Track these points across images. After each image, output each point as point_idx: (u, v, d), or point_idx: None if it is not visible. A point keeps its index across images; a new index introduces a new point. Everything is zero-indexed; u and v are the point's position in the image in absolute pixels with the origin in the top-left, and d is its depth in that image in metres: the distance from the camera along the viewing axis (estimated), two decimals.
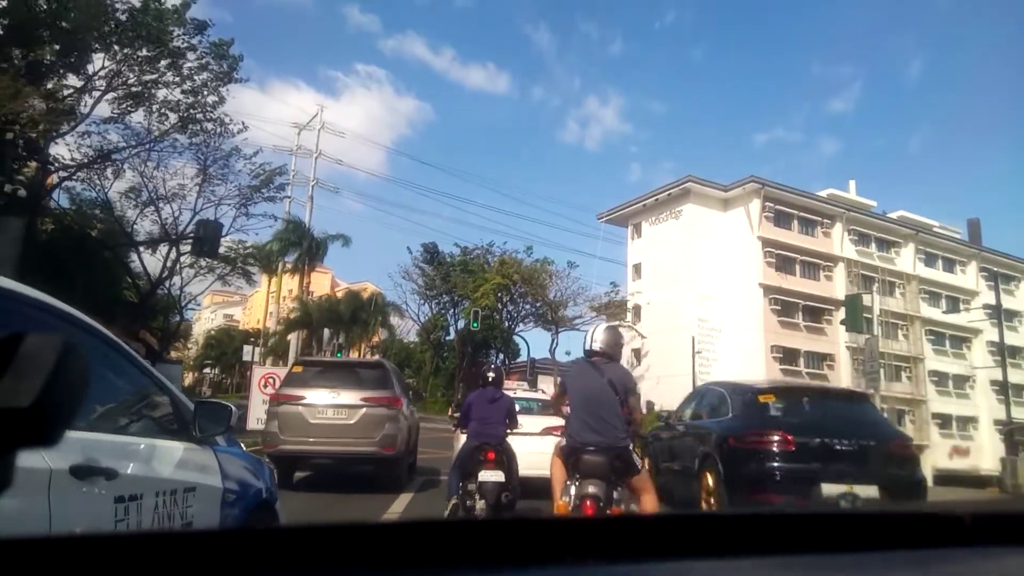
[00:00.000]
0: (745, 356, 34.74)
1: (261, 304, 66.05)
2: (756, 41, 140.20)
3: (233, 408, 3.17)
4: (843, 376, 37.09)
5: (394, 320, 56.58)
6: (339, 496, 8.79)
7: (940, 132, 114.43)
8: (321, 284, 67.45)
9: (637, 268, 39.67)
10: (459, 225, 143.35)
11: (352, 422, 8.68)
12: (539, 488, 8.55)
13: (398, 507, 7.99)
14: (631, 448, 4.87)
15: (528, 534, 0.80)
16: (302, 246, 43.12)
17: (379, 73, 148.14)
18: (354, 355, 38.43)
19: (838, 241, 38.64)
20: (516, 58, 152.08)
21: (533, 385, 38.24)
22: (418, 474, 10.55)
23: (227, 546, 0.71)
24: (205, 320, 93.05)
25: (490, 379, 7.02)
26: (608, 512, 4.41)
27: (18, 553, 0.67)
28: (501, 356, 52.46)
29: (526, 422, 9.20)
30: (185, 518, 2.62)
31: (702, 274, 35.93)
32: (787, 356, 35.28)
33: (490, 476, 6.29)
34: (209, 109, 18.64)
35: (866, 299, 19.04)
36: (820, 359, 36.80)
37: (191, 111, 18.47)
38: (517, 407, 9.21)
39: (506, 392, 9.24)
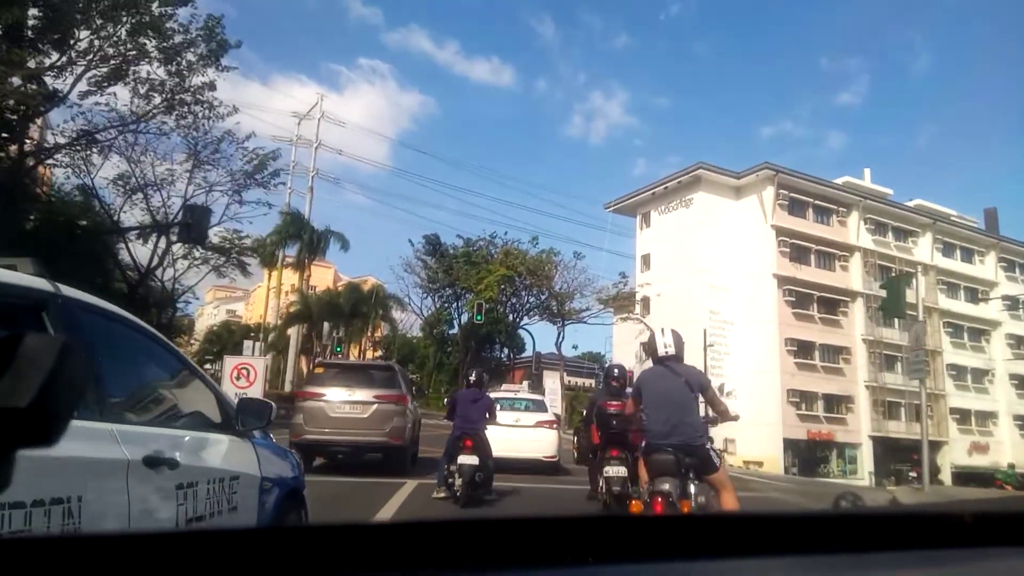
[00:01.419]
0: (758, 349, 33.60)
1: (263, 299, 65.07)
2: (761, 33, 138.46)
3: (274, 405, 3.47)
4: (859, 370, 35.94)
5: (397, 314, 55.80)
6: (354, 479, 9.45)
7: (953, 122, 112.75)
8: (324, 279, 66.43)
9: (646, 259, 38.48)
10: (463, 218, 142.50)
11: (366, 416, 9.88)
12: (531, 468, 11.25)
13: (405, 491, 8.68)
14: (709, 447, 4.99)
15: (529, 534, 0.81)
16: (302, 238, 42.21)
17: (382, 67, 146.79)
18: (354, 350, 37.60)
19: (854, 230, 37.38)
20: (520, 51, 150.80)
21: (538, 380, 37.34)
22: (420, 465, 11.57)
23: (227, 547, 0.72)
24: (208, 316, 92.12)
25: (472, 381, 8.68)
26: (679, 508, 4.69)
27: (23, 553, 0.68)
28: (506, 351, 51.46)
29: (524, 417, 11.89)
30: (230, 503, 2.84)
31: (713, 264, 34.72)
32: (802, 349, 34.08)
33: (466, 460, 7.67)
34: (197, 90, 17.61)
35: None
36: (836, 352, 35.60)
37: (177, 92, 17.43)
38: (519, 405, 12.25)
39: (506, 393, 12.12)
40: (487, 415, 8.24)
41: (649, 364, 5.57)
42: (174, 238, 21.94)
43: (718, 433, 32.46)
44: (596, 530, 0.85)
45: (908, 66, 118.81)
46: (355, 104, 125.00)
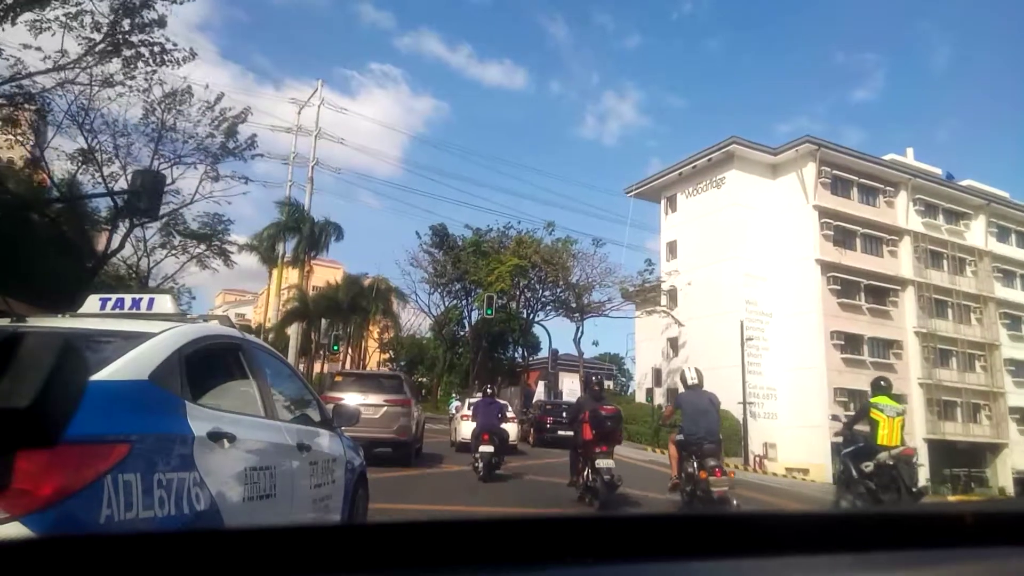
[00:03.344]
0: (801, 343, 30.20)
1: (270, 301, 62.39)
2: (775, 29, 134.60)
3: (360, 410, 5.30)
4: (911, 366, 32.40)
5: (403, 313, 52.82)
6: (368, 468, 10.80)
7: (986, 104, 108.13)
8: (332, 279, 63.78)
9: (671, 247, 35.15)
10: (474, 213, 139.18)
11: (377, 416, 11.47)
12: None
13: (411, 475, 11.22)
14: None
15: (528, 534, 0.82)
16: (301, 231, 39.46)
17: (395, 72, 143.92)
18: (354, 351, 34.83)
19: (903, 212, 33.87)
20: (533, 53, 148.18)
21: (555, 380, 34.27)
22: (423, 459, 13.88)
23: (227, 547, 0.74)
24: None
25: (488, 393, 13.12)
26: (727, 472, 8.61)
27: (25, 553, 0.69)
28: (520, 350, 48.32)
29: None
30: (332, 478, 4.03)
31: (749, 251, 31.36)
32: (849, 343, 30.60)
33: (485, 448, 11.14)
34: (144, 26, 14.69)
35: None
36: (886, 346, 32.07)
37: (120, 27, 14.52)
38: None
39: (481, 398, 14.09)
40: (500, 415, 12.04)
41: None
42: (140, 221, 19.07)
43: (757, 438, 28.76)
44: (596, 530, 0.84)
45: (928, 54, 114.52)
46: (368, 109, 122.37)
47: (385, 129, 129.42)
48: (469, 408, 16.20)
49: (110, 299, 3.26)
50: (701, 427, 8.12)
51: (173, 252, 25.30)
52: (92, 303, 3.29)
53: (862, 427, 8.32)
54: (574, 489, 9.22)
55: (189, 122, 19.48)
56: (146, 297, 3.30)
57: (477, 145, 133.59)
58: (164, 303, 3.31)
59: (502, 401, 17.80)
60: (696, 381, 8.67)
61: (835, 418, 12.12)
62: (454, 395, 37.96)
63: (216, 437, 2.51)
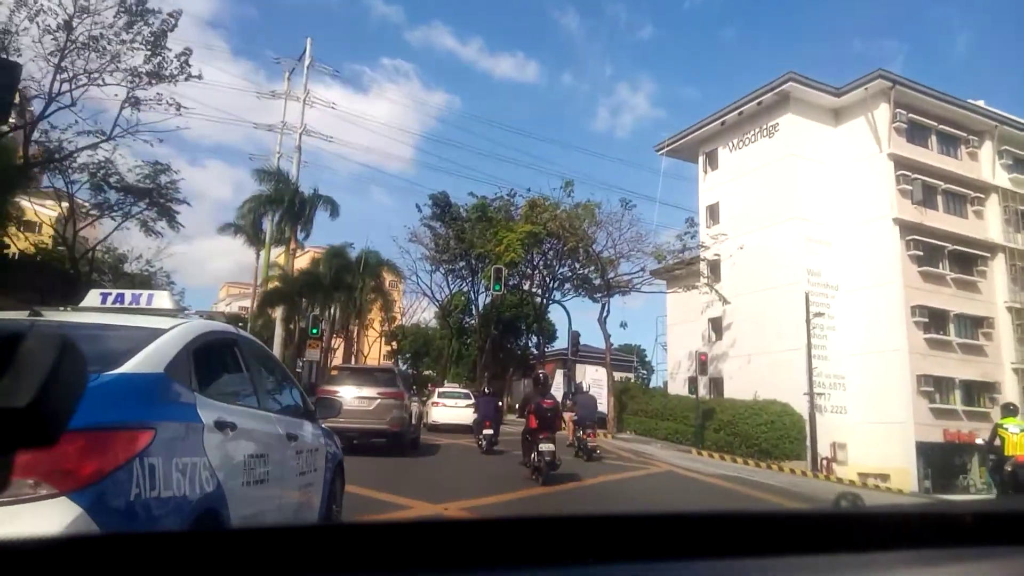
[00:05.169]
0: (875, 321, 25.01)
1: (256, 286, 58.44)
2: (790, 17, 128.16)
3: (342, 403, 6.13)
4: (1004, 348, 27.11)
5: (405, 299, 48.09)
6: (365, 459, 10.83)
7: None
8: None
9: (712, 210, 29.94)
10: (484, 191, 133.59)
11: (371, 408, 12.39)
12: (464, 429, 19.47)
13: (411, 463, 12.51)
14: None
15: (529, 534, 0.82)
16: (284, 204, 34.76)
17: (406, 67, 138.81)
18: (337, 340, 30.20)
19: (988, 165, 28.53)
20: (545, 45, 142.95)
21: (573, 369, 29.50)
22: (421, 449, 14.87)
23: (228, 547, 0.73)
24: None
25: (488, 392, 17.47)
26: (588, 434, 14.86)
27: (27, 553, 0.68)
28: (535, 339, 43.43)
29: (460, 402, 21.42)
30: (314, 466, 4.35)
31: (809, 211, 26.17)
32: (933, 321, 25.35)
33: (487, 432, 14.41)
34: None
35: None
36: (974, 325, 26.78)
37: None
38: (458, 396, 22.46)
39: (449, 389, 25.02)
40: (496, 408, 15.45)
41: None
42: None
43: (823, 437, 23.17)
44: (596, 530, 0.85)
45: (947, 41, 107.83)
46: (380, 104, 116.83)
47: (400, 124, 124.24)
48: (439, 396, 22.39)
49: (110, 294, 3.70)
50: (585, 414, 15.33)
51: (109, 214, 20.66)
52: (93, 298, 3.66)
53: (997, 442, 10.32)
54: (525, 468, 10.68)
55: (102, 28, 14.77)
56: (145, 293, 3.78)
57: (486, 141, 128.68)
58: (162, 299, 3.72)
59: (461, 389, 23.68)
60: (586, 388, 18.81)
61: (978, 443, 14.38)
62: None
63: (221, 426, 2.81)
